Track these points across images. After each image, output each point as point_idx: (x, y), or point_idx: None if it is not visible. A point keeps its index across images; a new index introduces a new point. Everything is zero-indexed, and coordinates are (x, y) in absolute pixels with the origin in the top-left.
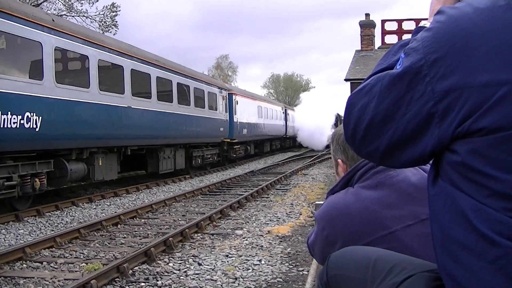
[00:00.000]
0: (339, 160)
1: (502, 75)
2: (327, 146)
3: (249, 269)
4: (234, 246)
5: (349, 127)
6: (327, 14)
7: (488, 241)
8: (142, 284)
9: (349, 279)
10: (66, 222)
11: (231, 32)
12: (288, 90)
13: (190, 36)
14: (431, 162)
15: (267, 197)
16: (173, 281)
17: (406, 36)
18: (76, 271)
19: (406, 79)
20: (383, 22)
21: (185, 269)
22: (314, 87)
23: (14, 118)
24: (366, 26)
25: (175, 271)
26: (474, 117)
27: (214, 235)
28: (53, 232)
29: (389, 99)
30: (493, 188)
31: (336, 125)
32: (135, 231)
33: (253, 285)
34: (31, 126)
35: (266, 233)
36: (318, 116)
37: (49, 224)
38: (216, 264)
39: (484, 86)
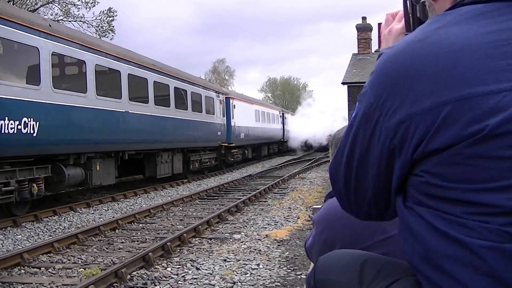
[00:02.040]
0: None
1: (443, 96)
2: (325, 149)
3: (247, 274)
4: (232, 251)
5: (338, 198)
6: (327, 18)
7: (462, 244)
8: None
9: (336, 283)
10: (64, 227)
11: (231, 36)
12: (285, 94)
13: (190, 40)
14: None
15: (265, 201)
16: (171, 286)
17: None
18: (74, 277)
19: (365, 124)
20: (380, 25)
21: (183, 274)
22: (312, 90)
23: (12, 124)
24: (363, 29)
25: (173, 276)
26: (425, 141)
27: (212, 240)
28: (51, 237)
29: (357, 149)
30: (457, 198)
31: None
32: (133, 236)
33: None
34: (28, 131)
35: (264, 237)
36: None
37: (47, 229)
38: (214, 269)
39: (429, 110)
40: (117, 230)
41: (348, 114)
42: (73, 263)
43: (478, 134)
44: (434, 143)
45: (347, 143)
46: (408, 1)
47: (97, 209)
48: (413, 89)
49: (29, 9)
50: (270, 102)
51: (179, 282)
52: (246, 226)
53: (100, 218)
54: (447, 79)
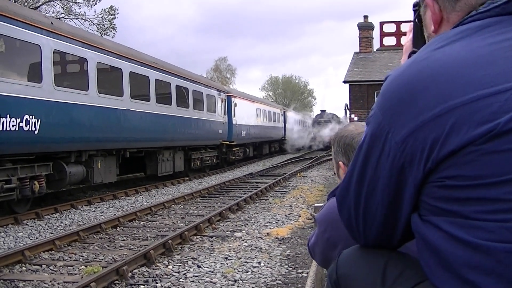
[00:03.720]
0: (340, 163)
1: (450, 102)
2: (328, 147)
3: (249, 272)
4: (233, 249)
5: (346, 225)
6: (329, 16)
7: (482, 251)
8: (142, 286)
9: (359, 279)
10: (65, 224)
11: (233, 35)
12: (286, 92)
13: (192, 38)
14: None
15: (266, 199)
16: (172, 283)
17: (404, 38)
18: (75, 274)
19: (374, 143)
20: (382, 24)
21: (185, 272)
22: (313, 89)
23: (13, 121)
24: (365, 28)
25: (174, 274)
26: (438, 146)
27: (213, 238)
28: (52, 235)
29: (368, 173)
30: (475, 196)
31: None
32: (134, 234)
33: (252, 287)
34: (30, 129)
35: (265, 236)
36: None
37: (48, 227)
38: (216, 267)
39: (437, 117)
40: (118, 227)
41: (350, 113)
42: (74, 260)
43: (490, 132)
44: (448, 146)
45: (357, 167)
46: (416, 20)
47: (98, 207)
48: (420, 101)
49: (30, 7)
50: (272, 100)
51: (181, 279)
52: (247, 224)
53: (101, 215)
54: (452, 87)
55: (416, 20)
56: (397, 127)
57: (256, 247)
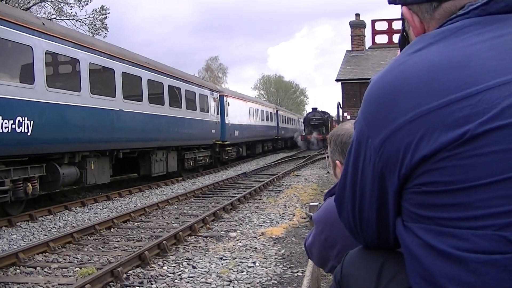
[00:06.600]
0: (337, 162)
1: (422, 107)
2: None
3: (244, 272)
4: (228, 249)
5: (346, 227)
6: (324, 15)
7: (456, 260)
8: None
9: (357, 279)
10: (59, 226)
11: (230, 34)
12: (279, 91)
13: (189, 38)
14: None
15: (260, 199)
16: (167, 284)
17: (396, 36)
18: (70, 276)
19: (359, 148)
20: (373, 22)
21: (180, 272)
22: (305, 87)
23: (6, 123)
24: (357, 26)
25: (169, 275)
26: (411, 151)
27: (208, 238)
28: (46, 236)
29: (358, 182)
30: (449, 202)
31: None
32: (128, 235)
33: (247, 287)
34: (22, 131)
35: (260, 235)
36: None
37: (42, 228)
38: (211, 267)
39: (410, 122)
40: (112, 229)
41: (342, 111)
42: (68, 262)
43: (461, 137)
44: (420, 152)
45: (349, 171)
46: (404, 34)
47: (92, 208)
48: (395, 107)
49: (21, 8)
50: (264, 99)
51: (176, 280)
52: (241, 224)
53: (95, 217)
54: (425, 93)
55: (404, 33)
56: (376, 132)
57: (251, 247)
